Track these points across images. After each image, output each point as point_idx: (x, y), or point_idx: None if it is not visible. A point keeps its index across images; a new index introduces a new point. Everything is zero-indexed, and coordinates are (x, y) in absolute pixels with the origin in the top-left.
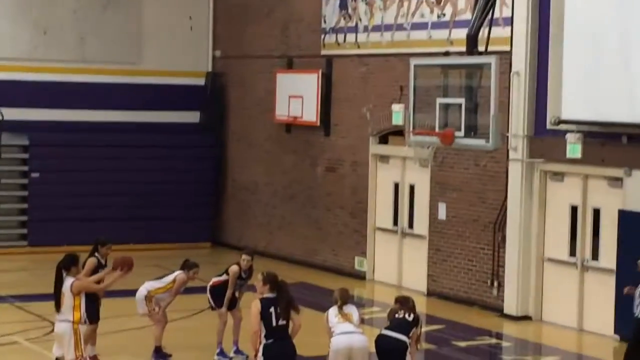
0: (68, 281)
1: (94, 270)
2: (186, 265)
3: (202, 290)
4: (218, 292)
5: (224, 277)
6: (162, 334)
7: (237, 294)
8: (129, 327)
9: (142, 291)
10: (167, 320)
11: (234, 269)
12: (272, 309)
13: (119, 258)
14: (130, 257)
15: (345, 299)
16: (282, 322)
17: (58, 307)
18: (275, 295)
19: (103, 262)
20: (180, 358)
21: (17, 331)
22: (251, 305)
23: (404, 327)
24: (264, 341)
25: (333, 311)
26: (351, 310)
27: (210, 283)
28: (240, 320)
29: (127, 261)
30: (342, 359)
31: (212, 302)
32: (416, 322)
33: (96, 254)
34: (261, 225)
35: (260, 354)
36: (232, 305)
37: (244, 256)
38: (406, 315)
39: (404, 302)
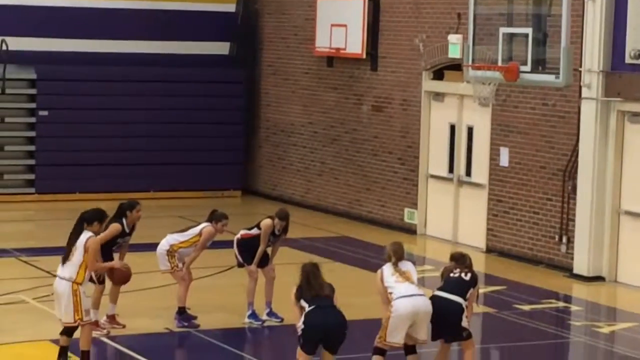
0: (85, 235)
1: (115, 238)
2: (214, 217)
3: (231, 244)
4: (246, 246)
5: (255, 231)
6: (187, 293)
7: (269, 251)
8: (150, 286)
9: (164, 245)
10: (192, 278)
11: (267, 222)
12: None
13: (118, 275)
14: (127, 274)
15: (400, 255)
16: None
17: (65, 259)
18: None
19: (128, 229)
20: (206, 320)
21: (24, 289)
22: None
23: (460, 287)
24: (306, 309)
25: (388, 270)
26: (409, 267)
27: (238, 236)
28: (274, 279)
29: (123, 277)
30: (406, 324)
31: (239, 258)
32: (474, 281)
33: (123, 219)
34: (298, 172)
35: (301, 320)
36: (264, 262)
37: (276, 220)
38: (462, 275)
39: (460, 260)
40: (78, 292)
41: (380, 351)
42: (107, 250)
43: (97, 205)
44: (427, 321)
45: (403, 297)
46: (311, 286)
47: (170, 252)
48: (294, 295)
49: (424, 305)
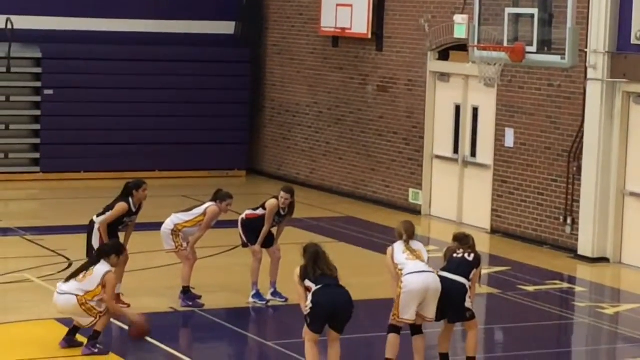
0: (104, 267)
1: (122, 217)
2: (218, 196)
3: (235, 224)
4: (251, 226)
5: (260, 211)
6: (191, 273)
7: (274, 231)
8: (155, 265)
9: (169, 225)
10: (197, 257)
11: (272, 202)
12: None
13: (137, 329)
14: (145, 329)
15: (411, 233)
16: (328, 272)
17: (72, 278)
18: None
19: (135, 208)
20: (210, 300)
21: (29, 267)
22: None
23: (464, 268)
24: (313, 288)
25: (399, 247)
26: (419, 246)
27: (243, 216)
28: (279, 259)
29: (140, 332)
30: (417, 300)
31: (243, 238)
32: (477, 262)
33: (130, 198)
34: (303, 152)
35: (309, 300)
36: (269, 242)
37: (282, 194)
38: (466, 255)
39: (463, 240)
40: (84, 300)
41: (396, 329)
42: (113, 229)
43: (102, 184)
44: (436, 299)
45: (413, 272)
46: (317, 266)
47: (175, 232)
48: (297, 276)
49: (434, 282)
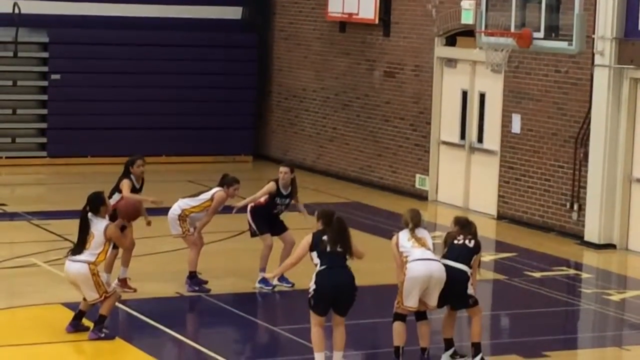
0: (101, 223)
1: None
2: (225, 181)
3: (243, 209)
4: (259, 214)
5: (264, 198)
6: (198, 258)
7: (282, 218)
8: (161, 250)
9: (176, 210)
10: (203, 243)
11: (269, 185)
12: (325, 237)
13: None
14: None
15: (417, 221)
16: (338, 248)
17: (82, 248)
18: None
19: (138, 185)
20: (217, 285)
21: (36, 252)
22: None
23: (465, 255)
24: (317, 268)
25: (404, 235)
26: (424, 234)
27: (252, 205)
28: (293, 244)
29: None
30: (420, 287)
31: (253, 226)
32: (477, 248)
33: (131, 175)
34: (310, 138)
35: (312, 281)
36: (280, 229)
37: (281, 168)
38: (466, 242)
39: (465, 227)
40: (96, 271)
41: (400, 316)
42: None
43: (108, 169)
44: (439, 287)
45: (418, 260)
46: (329, 238)
47: (182, 217)
48: (307, 243)
49: (438, 270)
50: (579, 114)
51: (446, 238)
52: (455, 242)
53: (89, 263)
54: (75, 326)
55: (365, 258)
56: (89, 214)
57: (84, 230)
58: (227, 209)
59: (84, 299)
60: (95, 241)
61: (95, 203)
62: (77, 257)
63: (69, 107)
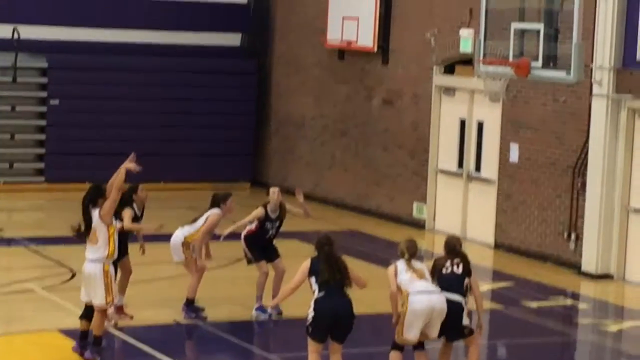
0: (95, 214)
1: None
2: (218, 200)
3: (239, 236)
4: (253, 241)
5: (255, 224)
6: (198, 285)
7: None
8: (158, 277)
9: (179, 236)
10: (207, 268)
11: (257, 210)
12: (323, 265)
13: None
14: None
15: (413, 252)
16: (335, 276)
17: (89, 241)
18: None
19: (139, 211)
20: (214, 313)
21: (32, 278)
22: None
23: (456, 283)
24: (315, 295)
25: (402, 266)
26: (421, 265)
27: (245, 233)
28: (284, 272)
29: None
30: (422, 320)
31: (248, 254)
32: (467, 271)
33: (133, 204)
34: (308, 165)
35: (311, 308)
36: (273, 256)
37: (272, 189)
38: (454, 269)
39: (451, 251)
40: (109, 274)
41: (399, 346)
42: (123, 240)
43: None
44: (441, 319)
45: (420, 293)
46: (326, 268)
47: (185, 244)
48: (306, 268)
49: (440, 303)
50: (577, 143)
51: (434, 266)
52: (444, 271)
53: (103, 261)
54: (83, 347)
55: (358, 287)
56: (89, 206)
57: (88, 220)
58: (216, 237)
59: (80, 318)
60: (99, 235)
61: (94, 195)
62: (91, 256)
63: (67, 133)
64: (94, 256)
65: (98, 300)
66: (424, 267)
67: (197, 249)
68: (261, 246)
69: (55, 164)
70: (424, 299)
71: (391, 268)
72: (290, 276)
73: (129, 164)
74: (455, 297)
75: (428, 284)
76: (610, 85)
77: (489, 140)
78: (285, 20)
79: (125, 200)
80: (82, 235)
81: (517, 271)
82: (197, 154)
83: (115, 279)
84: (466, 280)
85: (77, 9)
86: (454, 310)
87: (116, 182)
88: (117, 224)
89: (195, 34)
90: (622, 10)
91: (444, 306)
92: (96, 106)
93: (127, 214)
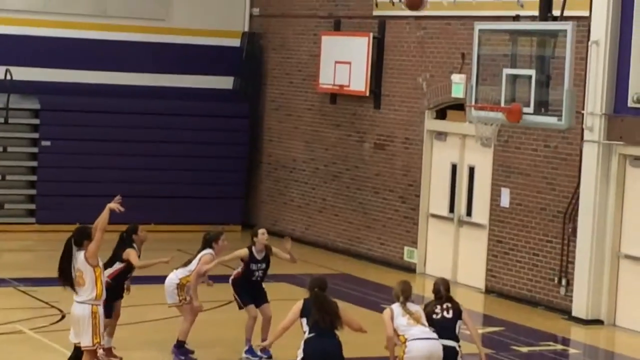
0: (81, 255)
1: (129, 269)
2: (207, 241)
3: (228, 279)
4: (240, 284)
5: (241, 268)
6: (190, 328)
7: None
8: (147, 319)
9: (173, 279)
10: (203, 308)
11: (241, 250)
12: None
13: None
14: None
15: (408, 294)
16: (325, 317)
17: (74, 285)
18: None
19: (139, 252)
20: (204, 355)
21: (21, 319)
22: None
23: (448, 328)
24: (305, 336)
25: (398, 310)
26: (416, 308)
27: (232, 277)
28: (270, 318)
29: None
30: None
31: (238, 300)
32: (458, 313)
33: (134, 244)
34: (299, 208)
35: (300, 349)
36: (261, 300)
37: (260, 229)
38: (445, 313)
39: (438, 294)
40: (97, 315)
41: None
42: (120, 280)
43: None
44: None
45: (418, 339)
46: (317, 311)
47: (180, 286)
48: (298, 309)
49: (438, 349)
50: (568, 189)
51: (424, 313)
52: (434, 317)
53: (91, 303)
54: None
55: (351, 330)
56: (74, 248)
57: (66, 259)
58: (214, 279)
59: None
60: (86, 276)
61: (79, 237)
62: (79, 298)
63: (58, 174)
64: (82, 298)
65: (85, 342)
66: (420, 309)
67: (192, 289)
68: (249, 289)
69: (46, 205)
70: (422, 345)
71: (387, 312)
72: (278, 320)
73: (112, 204)
74: (449, 342)
75: (425, 330)
76: (601, 132)
77: (480, 185)
78: (278, 64)
79: (126, 241)
80: (62, 280)
81: (508, 316)
82: (188, 197)
83: (112, 316)
84: (458, 323)
85: (69, 52)
86: (449, 357)
87: (100, 223)
88: (117, 265)
89: (188, 77)
90: (613, 57)
91: (441, 353)
92: (88, 148)
93: (132, 254)
